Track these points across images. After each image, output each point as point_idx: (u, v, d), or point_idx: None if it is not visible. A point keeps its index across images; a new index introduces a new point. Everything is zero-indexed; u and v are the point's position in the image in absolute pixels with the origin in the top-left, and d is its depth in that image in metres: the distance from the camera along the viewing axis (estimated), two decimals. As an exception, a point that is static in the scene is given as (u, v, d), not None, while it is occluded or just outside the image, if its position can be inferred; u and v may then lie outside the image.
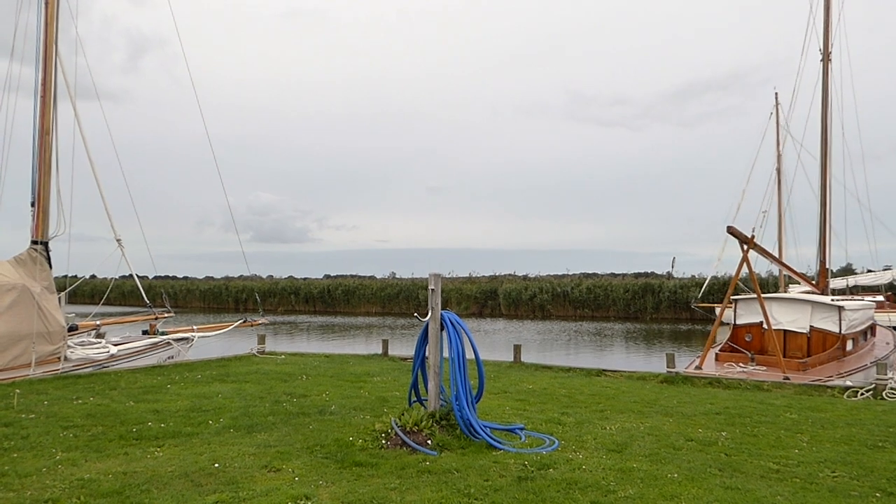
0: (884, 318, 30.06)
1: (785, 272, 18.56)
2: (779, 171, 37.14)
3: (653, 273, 51.34)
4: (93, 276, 19.33)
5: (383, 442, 6.41)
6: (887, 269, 34.92)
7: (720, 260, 37.76)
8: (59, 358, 12.04)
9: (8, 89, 13.32)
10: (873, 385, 10.64)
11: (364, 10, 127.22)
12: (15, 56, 13.29)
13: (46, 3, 13.22)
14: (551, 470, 5.60)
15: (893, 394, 10.36)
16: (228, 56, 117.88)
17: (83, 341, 13.63)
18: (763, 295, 14.03)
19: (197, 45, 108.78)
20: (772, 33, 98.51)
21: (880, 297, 31.79)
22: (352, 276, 65.30)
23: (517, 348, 14.40)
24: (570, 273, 52.32)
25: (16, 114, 13.41)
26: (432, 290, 6.98)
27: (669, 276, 42.30)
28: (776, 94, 37.15)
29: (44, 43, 13.15)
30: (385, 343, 15.90)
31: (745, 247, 13.53)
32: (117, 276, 16.96)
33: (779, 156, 37.20)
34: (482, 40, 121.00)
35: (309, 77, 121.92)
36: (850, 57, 26.42)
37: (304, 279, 61.69)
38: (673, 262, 40.38)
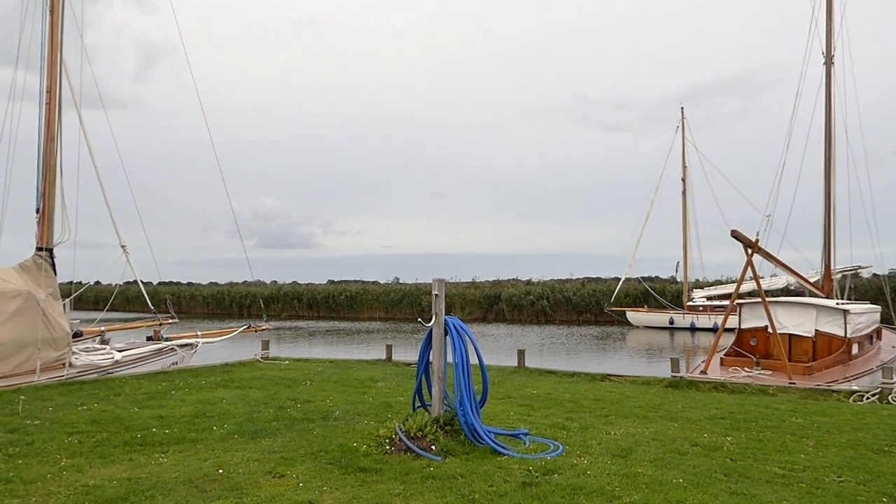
0: None
1: (792, 277, 18.48)
2: (684, 180, 40.09)
3: (657, 277, 51.26)
4: (97, 283, 19.43)
5: (387, 447, 6.40)
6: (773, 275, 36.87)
7: (631, 266, 39.60)
8: (63, 364, 12.05)
9: (13, 97, 13.40)
10: (879, 389, 10.59)
11: (370, 15, 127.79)
12: (23, 65, 13.37)
13: (51, 11, 13.31)
14: (556, 475, 5.59)
15: (899, 398, 10.29)
16: (236, 62, 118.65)
17: (88, 347, 13.66)
18: (768, 299, 14.00)
19: (206, 53, 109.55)
20: (776, 37, 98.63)
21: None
22: (355, 282, 65.38)
23: (521, 353, 14.37)
24: (574, 277, 52.31)
25: (21, 121, 13.48)
26: (436, 295, 6.98)
27: (673, 279, 42.50)
28: (682, 108, 40.40)
29: (49, 50, 13.23)
30: (389, 348, 15.89)
31: (750, 251, 13.50)
32: (121, 282, 17.01)
33: (684, 167, 39.71)
34: (486, 44, 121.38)
35: (315, 82, 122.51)
36: (854, 61, 26.39)
37: (308, 285, 61.77)
38: (677, 266, 40.56)
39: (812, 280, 33.18)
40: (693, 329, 36.05)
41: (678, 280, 41.69)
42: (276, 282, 67.78)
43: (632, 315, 39.28)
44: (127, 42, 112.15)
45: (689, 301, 38.82)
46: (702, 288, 40.44)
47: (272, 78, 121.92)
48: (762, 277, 39.93)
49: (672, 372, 12.37)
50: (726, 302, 36.58)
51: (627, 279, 41.27)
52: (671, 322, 37.31)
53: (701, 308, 37.32)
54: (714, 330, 34.88)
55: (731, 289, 37.59)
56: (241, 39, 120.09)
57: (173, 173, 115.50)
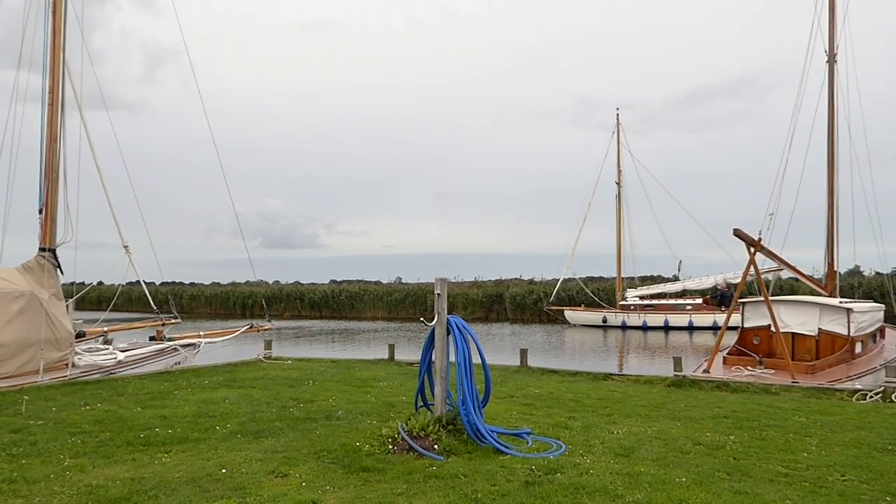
0: (706, 318, 35.17)
1: (792, 274, 18.45)
2: (619, 184, 41.98)
3: (660, 276, 51.17)
4: (100, 283, 19.46)
5: (390, 447, 6.40)
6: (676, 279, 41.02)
7: (569, 267, 41.70)
8: (66, 364, 12.08)
9: (15, 99, 13.43)
10: (882, 388, 10.56)
11: (373, 17, 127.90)
12: (29, 67, 13.40)
13: (54, 13, 13.34)
14: (559, 474, 5.58)
15: (903, 397, 10.27)
16: (242, 65, 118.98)
17: (91, 348, 13.68)
18: (772, 298, 13.98)
19: (212, 55, 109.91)
20: (778, 37, 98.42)
21: (699, 300, 37.42)
22: (358, 282, 65.47)
23: (523, 352, 14.36)
24: (577, 276, 52.27)
25: (26, 123, 13.53)
26: (438, 294, 6.98)
27: (676, 279, 42.63)
28: (617, 114, 42.37)
29: (51, 51, 13.27)
30: (391, 348, 15.89)
31: (752, 250, 13.47)
32: (124, 283, 17.04)
33: (619, 171, 42.08)
34: (488, 46, 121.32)
35: (319, 84, 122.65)
36: (857, 60, 26.37)
37: (310, 284, 61.86)
38: (679, 265, 40.90)
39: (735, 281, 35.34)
40: (624, 327, 37.76)
41: (680, 279, 42.00)
42: (278, 282, 67.95)
43: (569, 314, 41.15)
44: (134, 45, 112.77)
45: (621, 300, 40.54)
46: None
47: (277, 80, 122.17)
48: (691, 278, 41.84)
49: (675, 371, 12.35)
50: (656, 301, 38.79)
51: (567, 279, 43.62)
52: (604, 321, 39.09)
53: (632, 307, 39.11)
54: (643, 328, 36.89)
55: (661, 289, 40.41)
56: (248, 42, 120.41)
57: (179, 175, 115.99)
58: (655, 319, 37.09)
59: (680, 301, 37.76)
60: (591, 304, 42.01)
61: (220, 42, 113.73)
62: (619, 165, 41.87)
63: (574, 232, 42.41)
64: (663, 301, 38.47)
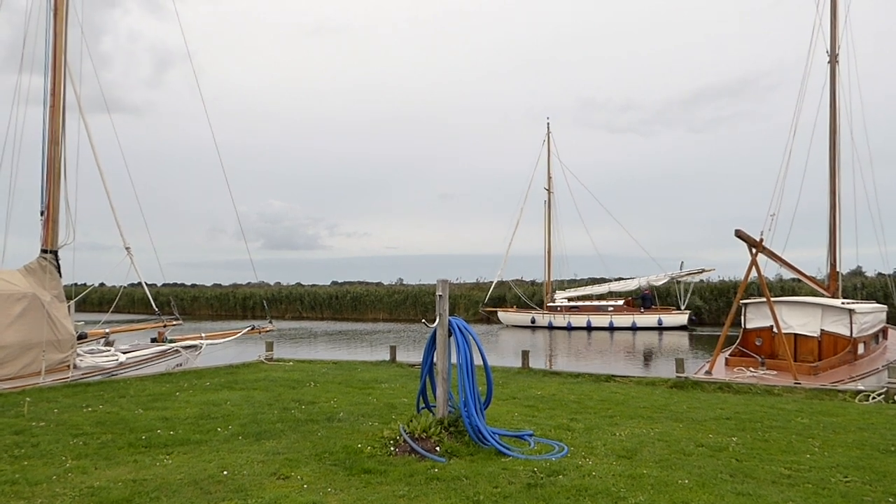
0: (625, 319, 37.81)
1: (794, 275, 18.40)
2: (548, 190, 43.85)
3: (656, 275, 51.14)
4: (102, 284, 19.44)
5: (392, 449, 6.39)
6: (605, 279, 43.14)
7: (503, 269, 43.78)
8: (68, 366, 12.09)
9: (17, 101, 13.45)
10: (885, 389, 10.54)
11: (376, 18, 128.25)
12: (34, 69, 13.43)
13: (55, 15, 13.36)
14: (561, 476, 5.57)
15: (906, 398, 10.24)
16: (247, 66, 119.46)
17: (92, 349, 13.69)
18: (773, 299, 13.96)
19: (217, 58, 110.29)
20: (782, 38, 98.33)
21: (621, 302, 39.54)
22: (359, 283, 65.55)
23: (525, 354, 14.36)
24: (578, 277, 52.26)
25: (27, 124, 13.54)
26: (440, 295, 6.97)
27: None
28: (548, 123, 43.85)
29: (53, 53, 13.29)
30: (393, 349, 15.89)
31: (754, 251, 13.45)
32: (126, 284, 17.05)
33: (549, 178, 43.78)
34: (493, 47, 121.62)
35: (322, 85, 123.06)
36: (859, 60, 26.30)
37: (312, 286, 61.90)
38: (681, 265, 41.06)
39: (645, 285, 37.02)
40: (550, 327, 39.67)
41: (679, 280, 42.21)
42: (279, 283, 67.99)
43: (502, 315, 43.24)
44: (142, 48, 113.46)
45: (549, 302, 42.40)
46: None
47: (282, 81, 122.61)
48: (615, 279, 43.22)
49: (677, 372, 12.34)
50: (581, 303, 40.42)
51: (500, 281, 45.35)
52: (533, 321, 40.99)
53: (559, 308, 41.09)
54: (568, 328, 38.66)
55: (588, 291, 41.89)
56: (253, 44, 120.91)
57: (183, 176, 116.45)
58: (579, 320, 39.13)
59: (602, 303, 39.86)
60: (521, 306, 44.04)
61: (226, 45, 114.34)
62: (549, 172, 44.17)
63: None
64: (587, 303, 40.52)
